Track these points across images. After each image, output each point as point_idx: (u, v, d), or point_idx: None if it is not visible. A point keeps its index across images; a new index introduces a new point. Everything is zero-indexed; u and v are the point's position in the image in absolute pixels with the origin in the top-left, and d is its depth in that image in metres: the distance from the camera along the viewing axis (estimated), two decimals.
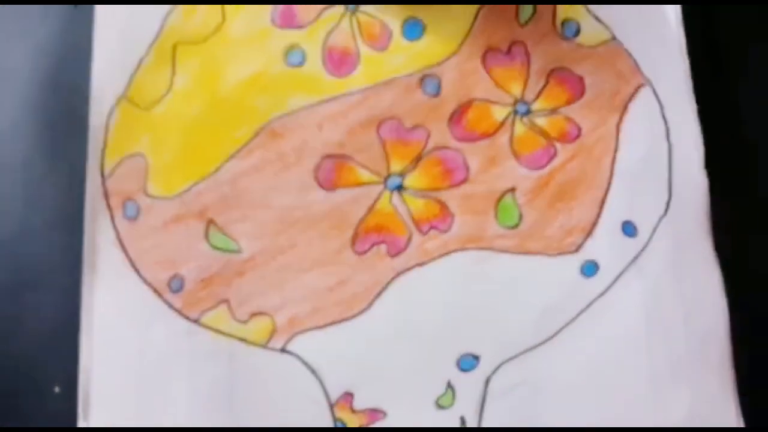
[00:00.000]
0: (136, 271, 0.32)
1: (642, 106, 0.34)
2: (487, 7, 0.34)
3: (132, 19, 0.34)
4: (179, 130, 0.33)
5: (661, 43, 0.34)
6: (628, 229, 0.32)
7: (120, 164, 0.32)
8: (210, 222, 0.32)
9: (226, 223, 0.32)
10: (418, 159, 0.33)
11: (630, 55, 0.34)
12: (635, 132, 0.33)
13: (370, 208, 0.32)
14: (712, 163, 0.33)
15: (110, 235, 0.32)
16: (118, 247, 0.32)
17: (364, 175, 0.33)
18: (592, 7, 0.35)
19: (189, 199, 0.32)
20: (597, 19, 0.35)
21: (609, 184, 0.33)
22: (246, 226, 0.32)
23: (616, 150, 0.33)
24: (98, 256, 0.32)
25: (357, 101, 0.33)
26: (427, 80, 0.34)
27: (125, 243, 0.32)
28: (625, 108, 0.34)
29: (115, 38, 0.34)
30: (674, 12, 0.35)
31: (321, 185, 0.33)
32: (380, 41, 0.34)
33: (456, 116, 0.33)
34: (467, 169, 0.33)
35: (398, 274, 0.32)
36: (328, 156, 0.33)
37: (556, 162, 0.33)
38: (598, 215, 0.32)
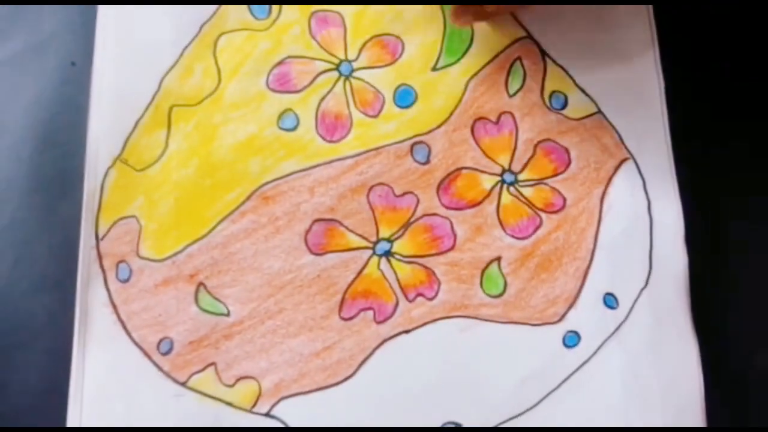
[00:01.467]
0: (127, 332, 0.32)
1: (625, 179, 0.35)
2: (477, 77, 0.36)
3: (129, 79, 0.34)
4: (173, 192, 0.33)
5: (644, 118, 0.35)
6: (610, 300, 0.33)
7: (114, 226, 0.33)
8: (200, 285, 0.32)
9: (215, 287, 0.32)
10: (406, 225, 0.34)
11: (614, 128, 0.35)
12: (618, 205, 0.34)
13: (359, 273, 0.33)
14: (692, 238, 0.34)
15: (103, 296, 0.32)
16: (110, 308, 0.32)
17: (354, 239, 0.34)
18: (579, 80, 0.36)
19: (180, 261, 0.33)
20: (584, 92, 0.36)
21: (592, 255, 0.34)
22: (235, 290, 0.33)
23: (599, 222, 0.34)
24: (90, 318, 0.32)
25: (348, 166, 0.34)
26: (418, 148, 0.35)
27: (117, 305, 0.32)
28: (609, 181, 0.35)
29: (112, 98, 0.34)
30: (658, 88, 0.36)
31: (311, 249, 0.33)
32: (373, 107, 0.35)
33: (445, 184, 0.34)
34: (454, 236, 0.34)
35: (384, 341, 0.32)
36: (319, 220, 0.34)
37: (541, 232, 0.34)
38: (581, 286, 0.33)
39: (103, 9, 0.35)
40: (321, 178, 0.34)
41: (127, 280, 0.32)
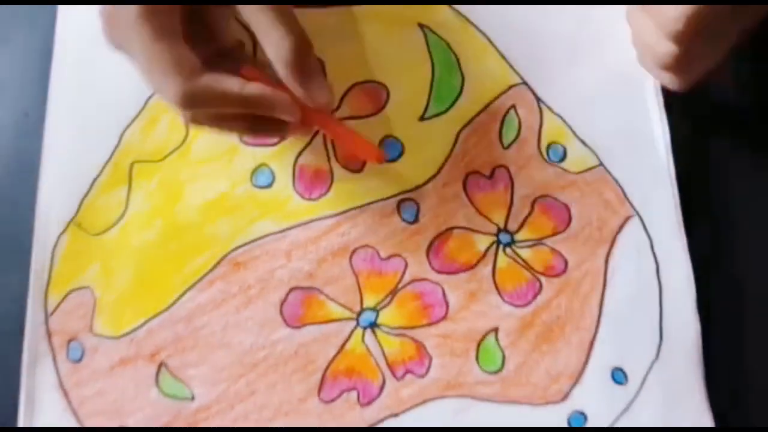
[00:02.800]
0: (78, 420, 0.28)
1: (630, 239, 0.32)
2: (468, 128, 0.33)
3: (86, 132, 0.31)
4: (132, 258, 0.30)
5: (649, 171, 0.33)
6: (618, 376, 0.30)
7: (65, 300, 0.29)
8: (161, 365, 0.29)
9: (179, 367, 0.29)
10: (393, 292, 0.31)
11: (617, 182, 0.33)
12: (624, 268, 0.31)
13: (341, 348, 0.30)
14: (704, 304, 0.31)
15: (51, 378, 0.28)
16: (60, 392, 0.28)
17: (335, 310, 0.30)
18: (578, 130, 0.33)
19: (139, 338, 0.29)
20: (583, 143, 0.33)
21: (597, 325, 0.31)
22: (201, 370, 0.29)
23: (604, 287, 0.31)
24: (37, 403, 0.28)
25: (329, 227, 0.31)
26: (405, 205, 0.32)
27: (67, 388, 0.28)
28: (613, 241, 0.32)
29: (67, 154, 0.31)
30: (663, 139, 0.33)
31: (287, 322, 0.30)
32: (355, 161, 0.32)
33: (435, 245, 0.31)
34: (447, 304, 0.31)
35: (370, 427, 0.29)
36: (296, 288, 0.30)
37: (541, 298, 0.31)
38: (586, 360, 0.30)
39: (59, 53, 0.32)
40: (298, 241, 0.31)
41: (79, 361, 0.29)
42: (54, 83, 0.32)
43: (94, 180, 0.31)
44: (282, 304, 0.30)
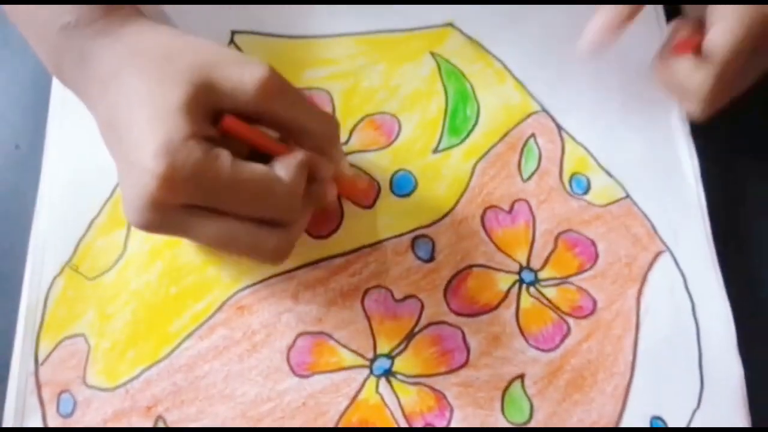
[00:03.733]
0: None
1: (662, 276, 0.30)
2: (485, 159, 0.31)
3: (85, 170, 0.30)
4: (130, 303, 0.28)
5: (678, 202, 0.31)
6: (657, 425, 0.28)
7: (57, 347, 0.27)
8: (159, 419, 0.27)
9: (177, 421, 0.27)
10: (409, 337, 0.28)
11: (646, 216, 0.31)
12: (657, 308, 0.29)
13: (353, 399, 0.27)
14: (745, 343, 0.29)
15: None
16: None
17: (347, 356, 0.28)
18: (603, 160, 0.31)
19: (135, 389, 0.27)
20: (608, 173, 0.31)
21: (632, 370, 0.28)
22: (202, 425, 0.27)
23: (637, 328, 0.29)
24: None
25: (339, 267, 0.29)
26: (420, 243, 0.30)
27: None
28: (644, 279, 0.30)
29: (65, 192, 0.29)
30: (692, 167, 0.31)
31: (294, 370, 0.28)
32: (367, 197, 0.30)
33: (453, 285, 0.29)
34: (468, 350, 0.28)
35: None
36: (304, 333, 0.28)
37: (569, 341, 0.29)
38: (622, 409, 0.28)
39: (58, 84, 0.31)
40: (307, 282, 0.29)
41: (70, 415, 0.26)
42: (53, 114, 0.31)
43: (92, 220, 0.29)
44: (289, 350, 0.28)
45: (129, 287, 0.28)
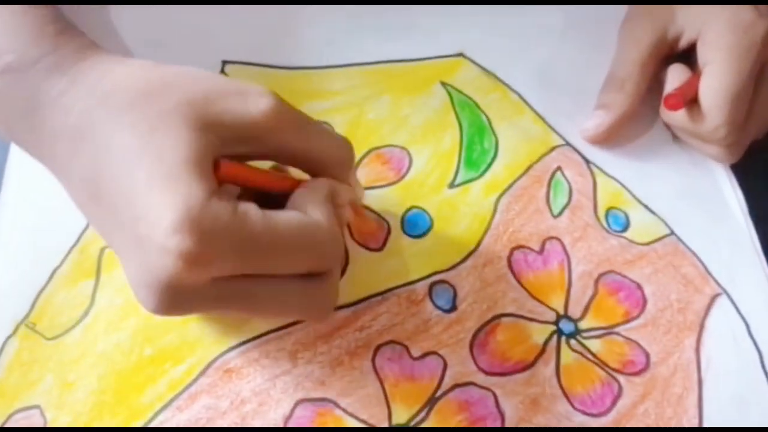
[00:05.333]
0: None
1: (722, 323, 0.26)
2: (509, 194, 0.28)
3: (47, 213, 0.26)
4: (95, 368, 0.23)
5: (729, 240, 0.27)
6: None
7: (8, 421, 0.22)
8: None
9: None
10: (431, 402, 0.24)
11: (695, 255, 0.27)
12: (720, 360, 0.25)
13: None
14: None
15: None
16: None
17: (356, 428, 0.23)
18: (639, 194, 0.28)
19: None
20: (647, 208, 0.28)
21: None
22: None
23: (700, 386, 0.24)
24: None
25: (344, 320, 0.25)
26: (438, 290, 0.26)
27: None
28: (701, 326, 0.26)
29: (22, 238, 0.25)
30: (736, 199, 0.28)
31: None
32: (375, 239, 0.27)
33: (480, 339, 0.25)
34: (501, 416, 0.24)
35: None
36: (305, 401, 0.24)
37: (622, 404, 0.24)
38: None
39: None
40: (306, 339, 0.24)
41: None
42: (12, 151, 0.27)
43: (54, 270, 0.25)
44: (286, 422, 0.23)
45: (95, 349, 0.24)
